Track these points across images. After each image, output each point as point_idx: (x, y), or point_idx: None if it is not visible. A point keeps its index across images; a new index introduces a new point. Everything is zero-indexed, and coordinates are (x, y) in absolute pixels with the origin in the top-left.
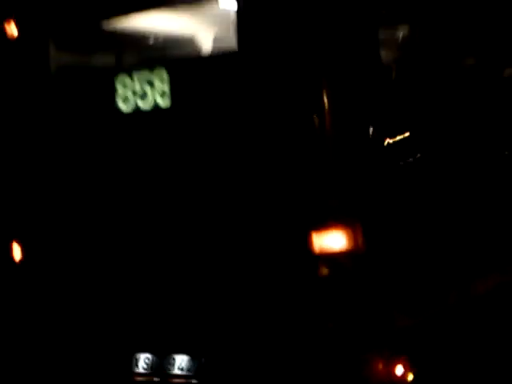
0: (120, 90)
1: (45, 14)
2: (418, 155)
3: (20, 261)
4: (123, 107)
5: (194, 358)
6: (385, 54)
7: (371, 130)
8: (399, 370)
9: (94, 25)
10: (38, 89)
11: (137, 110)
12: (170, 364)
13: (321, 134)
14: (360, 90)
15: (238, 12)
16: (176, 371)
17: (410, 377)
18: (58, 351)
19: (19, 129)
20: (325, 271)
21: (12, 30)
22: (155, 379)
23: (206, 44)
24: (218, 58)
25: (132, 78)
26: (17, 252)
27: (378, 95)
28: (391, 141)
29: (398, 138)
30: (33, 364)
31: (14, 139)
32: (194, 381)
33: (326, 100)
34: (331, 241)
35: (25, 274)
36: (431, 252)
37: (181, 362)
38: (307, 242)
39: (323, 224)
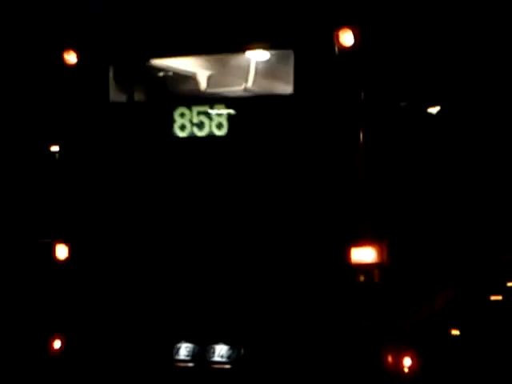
0: (177, 118)
1: (106, 45)
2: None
3: (65, 260)
4: (179, 133)
5: (233, 348)
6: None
7: (395, 172)
8: (407, 361)
9: (153, 60)
10: (98, 115)
11: (193, 136)
12: (210, 353)
13: (356, 173)
14: (385, 136)
15: (296, 63)
16: (216, 359)
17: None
18: (107, 342)
19: (78, 149)
20: (359, 278)
21: (71, 58)
22: (197, 366)
23: (263, 85)
24: (271, 98)
25: (190, 110)
26: (61, 252)
27: (397, 142)
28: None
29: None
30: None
31: (72, 158)
32: (232, 368)
33: (361, 143)
34: (364, 255)
35: (70, 271)
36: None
37: (220, 350)
38: (346, 255)
39: (358, 241)
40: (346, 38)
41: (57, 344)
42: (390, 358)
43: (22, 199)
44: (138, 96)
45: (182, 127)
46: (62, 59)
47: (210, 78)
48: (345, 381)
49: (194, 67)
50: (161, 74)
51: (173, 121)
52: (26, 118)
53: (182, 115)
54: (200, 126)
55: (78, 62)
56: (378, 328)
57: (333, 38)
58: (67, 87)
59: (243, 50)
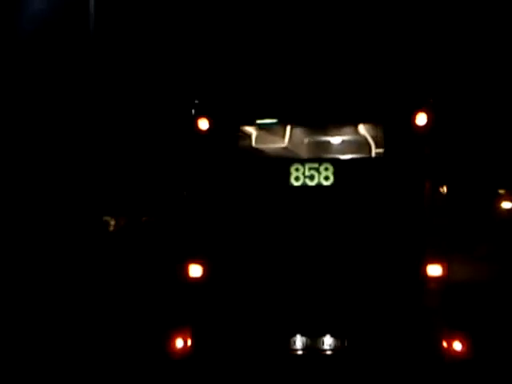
0: (293, 171)
1: (235, 110)
2: None
3: (199, 277)
4: (295, 183)
5: (337, 339)
6: None
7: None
8: (457, 346)
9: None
10: (228, 174)
11: (305, 185)
12: (319, 343)
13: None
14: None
15: (385, 134)
16: (324, 347)
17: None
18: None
19: (214, 195)
20: (431, 286)
21: (203, 125)
22: (309, 354)
23: (362, 149)
24: (367, 159)
25: (303, 164)
26: (196, 270)
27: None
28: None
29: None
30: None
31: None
32: (337, 355)
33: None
34: (434, 270)
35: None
36: None
37: (327, 341)
38: (424, 270)
39: (430, 261)
40: (421, 119)
41: (181, 343)
42: (447, 344)
43: None
44: (262, 154)
45: (297, 178)
46: (195, 125)
47: (317, 143)
48: (417, 365)
49: (308, 130)
50: (281, 134)
51: (289, 173)
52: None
53: (297, 169)
54: (311, 178)
55: (209, 127)
56: (442, 321)
57: (412, 118)
58: (199, 148)
59: (348, 124)
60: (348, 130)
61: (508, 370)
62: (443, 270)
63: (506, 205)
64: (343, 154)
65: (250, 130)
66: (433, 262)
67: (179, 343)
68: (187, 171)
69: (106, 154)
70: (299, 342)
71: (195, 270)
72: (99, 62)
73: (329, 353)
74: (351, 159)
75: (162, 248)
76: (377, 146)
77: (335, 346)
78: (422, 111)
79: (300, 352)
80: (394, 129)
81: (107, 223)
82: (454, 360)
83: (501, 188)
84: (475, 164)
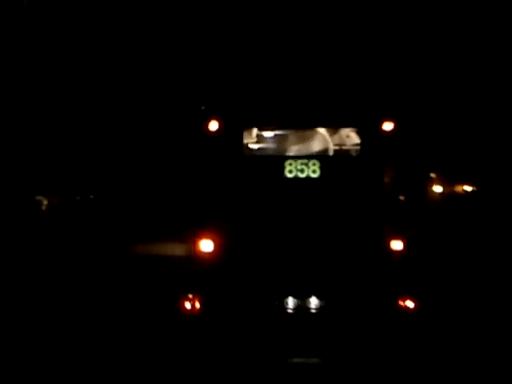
0: (287, 166)
1: (240, 114)
2: None
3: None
4: (288, 175)
5: (320, 300)
6: None
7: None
8: (410, 304)
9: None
10: (234, 168)
11: (296, 177)
12: (306, 303)
13: (391, 203)
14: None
15: (361, 136)
16: (310, 307)
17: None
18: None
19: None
20: (392, 258)
21: (213, 126)
22: (298, 312)
23: (343, 148)
24: (346, 156)
25: (295, 160)
26: (207, 246)
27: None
28: None
29: None
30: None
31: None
32: (320, 313)
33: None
34: (396, 245)
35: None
36: None
37: (313, 302)
38: (388, 245)
39: (393, 237)
40: (387, 125)
41: (190, 304)
42: (402, 302)
43: None
44: (261, 151)
45: (290, 171)
46: (206, 126)
47: (306, 142)
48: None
49: (299, 132)
50: (278, 135)
51: (284, 167)
52: None
53: (291, 164)
54: (301, 171)
55: (218, 128)
56: (399, 285)
57: (380, 125)
58: (207, 146)
59: (332, 129)
60: (332, 133)
61: (443, 320)
62: (403, 244)
63: (436, 188)
64: (327, 152)
65: (253, 131)
66: (394, 238)
67: (189, 306)
68: (198, 165)
69: (40, 133)
70: (291, 302)
71: (206, 245)
72: (32, 39)
73: (314, 310)
74: (334, 156)
75: (101, 226)
76: (354, 146)
77: (319, 305)
78: (387, 120)
79: (291, 310)
80: (367, 133)
81: (40, 202)
82: (406, 314)
83: (432, 172)
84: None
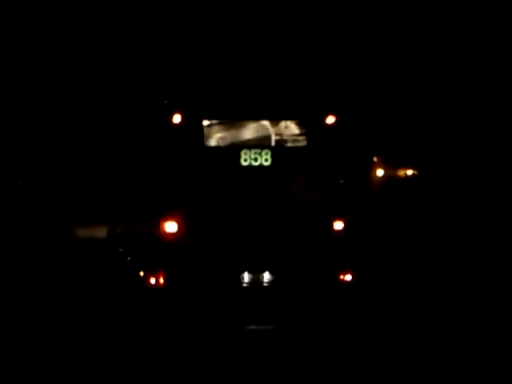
0: (243, 155)
1: (201, 108)
2: None
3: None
4: (244, 163)
5: (272, 275)
6: None
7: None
8: (348, 277)
9: (231, 119)
10: (196, 156)
11: (251, 165)
12: (261, 278)
13: (333, 188)
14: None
15: (307, 129)
16: (264, 281)
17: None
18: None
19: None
20: (335, 236)
21: (175, 119)
22: (253, 286)
23: (289, 139)
24: (295, 146)
25: (250, 150)
26: (171, 227)
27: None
28: None
29: None
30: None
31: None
32: (273, 286)
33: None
34: (338, 225)
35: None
36: None
37: (266, 276)
38: (331, 225)
39: (335, 219)
40: (330, 119)
41: (156, 279)
42: (342, 275)
43: None
44: (220, 142)
45: (245, 160)
46: (169, 119)
47: (260, 134)
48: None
49: (254, 125)
50: (234, 128)
51: (240, 156)
52: None
53: (246, 153)
54: (255, 159)
55: (180, 121)
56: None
57: (324, 118)
58: (171, 137)
59: (283, 121)
60: (283, 126)
61: (376, 291)
62: (343, 225)
63: (379, 172)
64: (278, 143)
65: (212, 124)
66: (336, 219)
67: (153, 280)
68: (163, 156)
69: None
70: (247, 277)
71: (170, 227)
72: None
73: (266, 284)
74: (284, 147)
75: (43, 209)
76: (302, 137)
77: (271, 279)
78: (330, 114)
79: (247, 284)
80: (312, 126)
81: None
82: (345, 285)
83: (375, 155)
84: (356, 139)
